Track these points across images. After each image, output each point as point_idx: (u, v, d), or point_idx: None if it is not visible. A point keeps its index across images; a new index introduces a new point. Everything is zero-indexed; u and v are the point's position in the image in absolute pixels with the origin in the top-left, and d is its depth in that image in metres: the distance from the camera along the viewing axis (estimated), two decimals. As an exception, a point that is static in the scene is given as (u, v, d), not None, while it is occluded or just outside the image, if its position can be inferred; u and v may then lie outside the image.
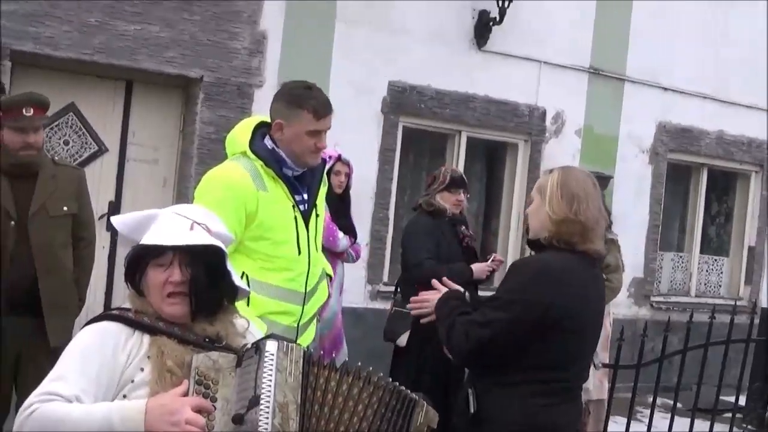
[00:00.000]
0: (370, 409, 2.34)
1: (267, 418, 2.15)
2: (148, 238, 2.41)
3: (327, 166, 6.02)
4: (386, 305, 7.89)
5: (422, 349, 5.20)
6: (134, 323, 2.38)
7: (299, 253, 3.53)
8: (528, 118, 9.22)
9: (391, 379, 2.44)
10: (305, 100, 3.52)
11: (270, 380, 2.18)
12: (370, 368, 2.37)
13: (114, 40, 7.33)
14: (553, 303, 2.88)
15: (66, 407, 2.19)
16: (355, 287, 8.19)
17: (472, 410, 2.92)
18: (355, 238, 6.28)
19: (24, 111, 4.12)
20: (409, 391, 2.43)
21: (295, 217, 3.54)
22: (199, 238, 2.41)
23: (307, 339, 3.77)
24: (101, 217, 7.24)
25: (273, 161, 3.51)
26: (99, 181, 7.59)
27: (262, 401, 2.16)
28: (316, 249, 3.70)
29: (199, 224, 2.45)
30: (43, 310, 4.07)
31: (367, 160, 8.28)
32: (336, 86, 8.16)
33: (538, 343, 2.90)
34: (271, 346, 2.24)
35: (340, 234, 6.03)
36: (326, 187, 3.94)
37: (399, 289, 5.93)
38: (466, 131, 9.07)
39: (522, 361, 2.92)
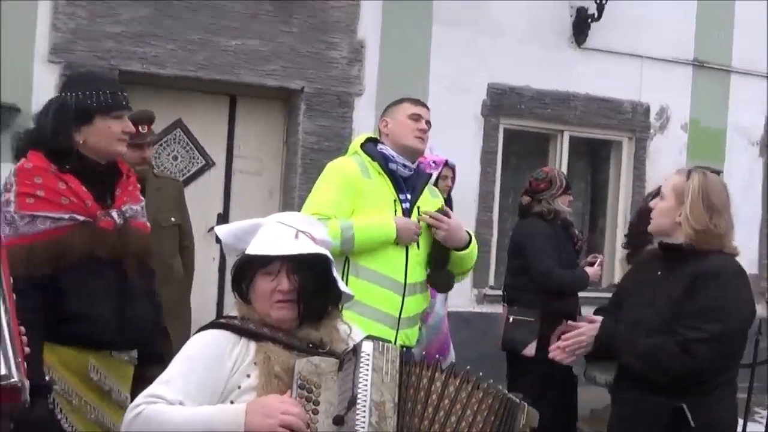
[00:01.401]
0: (480, 415, 2.34)
1: (364, 417, 2.18)
2: (254, 248, 2.47)
3: (435, 172, 6.09)
4: (492, 309, 7.88)
5: (550, 360, 5.10)
6: (241, 330, 2.44)
7: (397, 243, 3.81)
8: (631, 115, 9.06)
9: (501, 387, 2.43)
10: (403, 98, 4.15)
11: (366, 380, 2.22)
12: (480, 374, 2.37)
13: (216, 56, 7.51)
14: (754, 305, 3.06)
15: (171, 409, 2.27)
16: (461, 291, 8.15)
17: (692, 424, 2.96)
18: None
19: (140, 128, 4.28)
20: (511, 395, 2.42)
21: (395, 210, 3.87)
22: (305, 247, 2.45)
23: (410, 337, 3.94)
24: (210, 229, 7.41)
25: (379, 157, 3.94)
26: (207, 195, 7.78)
27: (359, 401, 2.20)
28: (418, 247, 3.91)
29: (302, 232, 2.49)
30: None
31: (468, 163, 8.25)
32: (435, 90, 8.18)
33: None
34: (366, 346, 2.27)
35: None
36: (435, 201, 4.11)
37: (507, 294, 5.81)
38: (568, 130, 8.96)
39: (731, 368, 3.07)
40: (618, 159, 9.29)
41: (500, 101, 8.53)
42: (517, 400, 2.43)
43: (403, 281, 3.85)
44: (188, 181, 7.63)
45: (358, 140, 4.12)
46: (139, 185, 4.26)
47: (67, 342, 2.95)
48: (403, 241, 3.81)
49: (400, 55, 8.12)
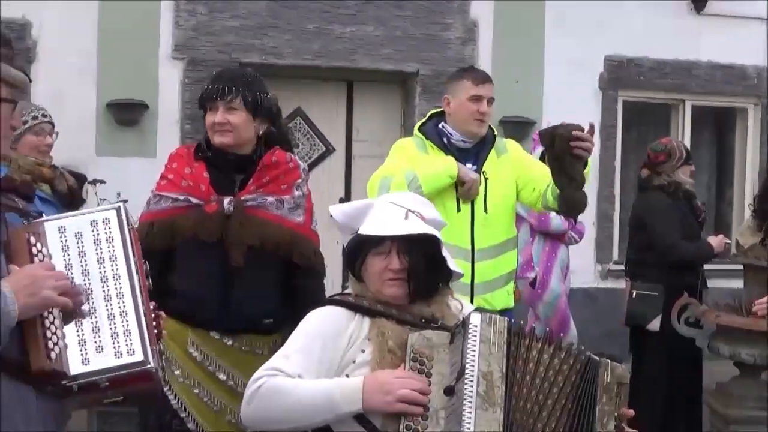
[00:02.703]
0: (568, 379, 2.37)
1: (472, 386, 2.23)
2: (366, 228, 2.55)
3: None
4: (616, 284, 7.77)
5: (675, 334, 5.03)
6: (355, 307, 2.53)
7: (458, 210, 3.87)
8: (756, 81, 8.76)
9: (587, 351, 2.44)
10: (465, 72, 4.16)
11: (474, 351, 2.27)
12: (572, 341, 2.41)
13: (332, 44, 7.66)
14: None
15: (291, 382, 2.37)
16: (585, 267, 8.11)
17: None
18: (576, 218, 6.21)
19: None
20: (591, 354, 2.43)
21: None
22: (415, 227, 2.51)
23: (491, 301, 3.93)
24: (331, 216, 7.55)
25: (434, 135, 4.05)
26: (328, 180, 7.95)
27: (467, 371, 2.25)
28: (485, 210, 3.94)
29: (413, 212, 2.56)
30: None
31: (588, 138, 8.15)
32: (551, 66, 8.13)
33: None
34: (474, 318, 2.32)
35: (553, 214, 5.98)
36: (504, 157, 4.10)
37: (630, 269, 5.73)
38: (690, 100, 8.75)
39: None
40: (744, 127, 9.02)
41: (618, 73, 8.40)
42: (598, 359, 2.43)
43: (469, 247, 3.89)
44: (310, 167, 7.79)
45: (421, 121, 4.22)
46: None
47: (169, 315, 3.05)
48: (463, 180, 3.86)
49: (514, 32, 8.09)
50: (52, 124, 4.28)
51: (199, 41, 7.46)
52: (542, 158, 5.97)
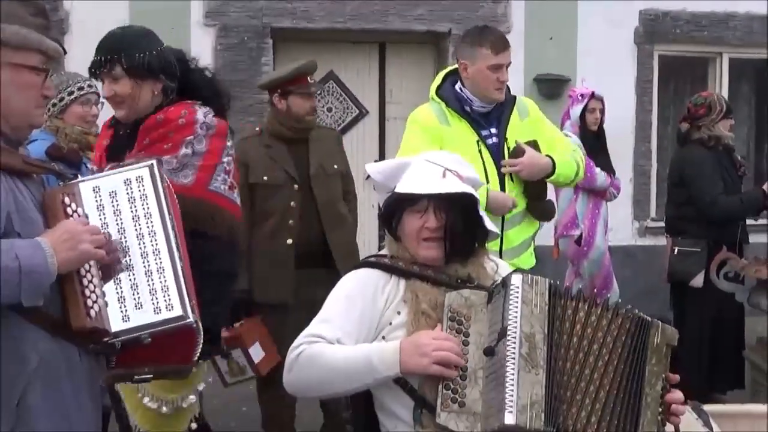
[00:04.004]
0: (618, 339, 2.35)
1: (514, 348, 2.22)
2: (403, 186, 2.53)
3: (581, 105, 6.01)
4: (655, 241, 7.74)
5: (717, 290, 4.98)
6: (391, 269, 2.53)
7: (487, 181, 3.77)
8: (795, 31, 8.60)
9: (637, 310, 2.42)
10: (483, 38, 3.89)
11: (516, 312, 2.25)
12: (619, 300, 2.39)
13: (364, 6, 7.62)
14: None
15: (330, 348, 2.38)
16: (622, 225, 8.06)
17: None
18: (613, 174, 6.18)
19: (309, 78, 4.44)
20: (644, 315, 2.41)
21: (480, 150, 3.84)
22: (452, 185, 2.50)
23: (522, 263, 3.88)
24: (367, 177, 7.56)
25: (454, 101, 3.90)
26: (362, 143, 7.95)
27: (509, 332, 2.23)
28: (512, 179, 3.90)
29: (450, 171, 2.53)
30: (336, 263, 4.35)
31: (624, 94, 8.09)
32: (585, 22, 8.03)
33: None
34: (516, 279, 2.30)
35: (597, 170, 5.95)
36: (527, 120, 4.02)
37: (671, 225, 5.67)
38: (727, 53, 8.62)
39: None
40: (783, 78, 8.88)
41: (654, 27, 8.28)
42: (650, 319, 2.41)
43: (499, 217, 3.82)
44: (344, 131, 7.82)
45: (435, 81, 4.05)
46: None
47: None
48: (493, 212, 3.74)
49: (548, -12, 7.99)
50: (98, 94, 4.32)
51: (231, 7, 7.46)
52: (582, 115, 6.00)
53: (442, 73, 4.08)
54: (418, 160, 2.61)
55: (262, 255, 4.41)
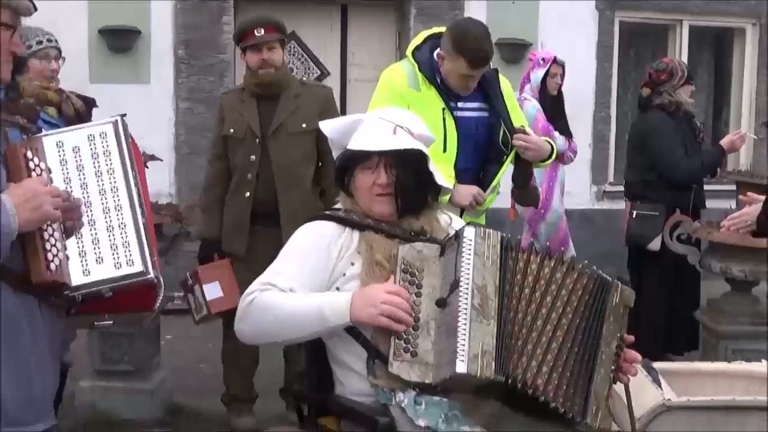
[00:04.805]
0: (574, 294, 2.41)
1: (467, 299, 2.27)
2: (355, 143, 2.57)
3: (543, 70, 6.06)
4: (613, 205, 7.84)
5: (674, 253, 5.07)
6: (345, 221, 2.57)
7: (444, 150, 3.77)
8: (755, 0, 8.68)
9: (595, 268, 2.47)
10: (466, 49, 3.73)
11: (468, 264, 2.30)
12: (571, 252, 2.45)
13: (326, -34, 7.56)
14: None
15: (282, 296, 2.42)
16: (580, 189, 8.15)
17: None
18: (571, 138, 6.25)
19: (255, 31, 4.42)
20: (605, 275, 2.47)
21: (444, 119, 3.81)
22: (402, 142, 2.54)
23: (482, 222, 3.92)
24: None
25: (428, 67, 3.85)
26: (324, 104, 7.93)
27: (461, 284, 2.28)
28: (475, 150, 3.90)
29: (401, 127, 2.57)
30: (282, 223, 4.37)
31: (584, 59, 8.16)
32: (547, -14, 8.06)
33: None
34: (468, 232, 2.35)
35: (556, 134, 6.02)
36: (513, 102, 4.06)
37: (629, 190, 5.74)
38: (687, 20, 8.69)
39: None
40: (741, 47, 8.98)
41: (615, -7, 8.34)
42: (610, 279, 2.47)
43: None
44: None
45: (415, 41, 3.98)
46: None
47: None
48: (456, 203, 3.75)
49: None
50: (59, 49, 4.29)
51: (191, -35, 7.39)
52: (544, 80, 6.05)
53: (423, 34, 4.02)
54: (371, 117, 2.65)
55: (227, 206, 4.50)
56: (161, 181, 7.01)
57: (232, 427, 4.52)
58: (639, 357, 2.56)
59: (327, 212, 2.65)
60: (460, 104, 3.89)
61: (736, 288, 4.91)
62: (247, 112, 4.47)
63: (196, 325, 4.54)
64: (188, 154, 7.56)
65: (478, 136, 3.92)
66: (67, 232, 2.30)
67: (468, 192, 3.82)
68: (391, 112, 2.71)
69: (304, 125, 4.43)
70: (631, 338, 2.57)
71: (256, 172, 4.43)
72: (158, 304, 2.52)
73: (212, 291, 4.37)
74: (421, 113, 3.56)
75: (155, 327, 4.78)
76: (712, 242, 4.79)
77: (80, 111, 4.24)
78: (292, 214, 4.31)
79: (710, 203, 5.61)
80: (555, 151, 4.05)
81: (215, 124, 4.67)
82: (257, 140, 4.43)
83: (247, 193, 4.43)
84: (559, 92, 6.22)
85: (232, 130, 4.48)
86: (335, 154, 2.70)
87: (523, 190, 4.11)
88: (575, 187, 7.66)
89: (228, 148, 4.51)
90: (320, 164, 4.55)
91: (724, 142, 5.53)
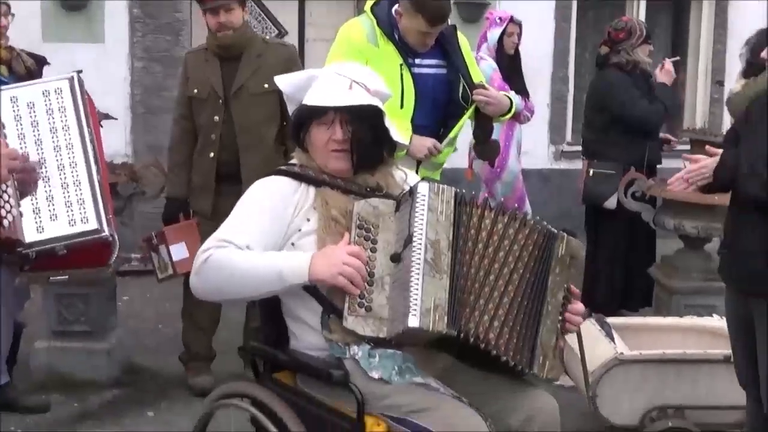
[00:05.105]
0: (524, 249, 2.43)
1: (420, 254, 2.28)
2: (310, 98, 2.55)
3: (500, 29, 6.05)
4: (570, 165, 7.90)
5: (629, 211, 5.12)
6: (300, 177, 2.56)
7: (401, 106, 3.80)
8: (713, -38, 8.73)
9: (545, 222, 2.50)
10: (425, 6, 3.76)
11: (422, 219, 2.31)
12: (526, 211, 2.47)
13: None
14: None
15: (239, 254, 2.40)
16: (538, 149, 8.20)
17: None
18: (528, 97, 6.27)
19: None
20: (550, 226, 2.50)
21: (402, 75, 3.83)
22: (358, 98, 2.52)
23: (438, 177, 3.95)
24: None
25: (386, 23, 3.87)
26: (282, 64, 7.87)
27: (414, 239, 2.30)
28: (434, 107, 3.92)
29: (357, 83, 2.56)
30: (243, 184, 4.34)
31: (542, 19, 8.16)
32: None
33: None
34: (422, 187, 2.36)
35: (512, 93, 6.02)
36: (471, 59, 4.07)
37: (587, 148, 5.77)
38: (647, -20, 8.73)
39: None
40: (699, 8, 9.02)
41: (574, -47, 8.33)
42: (556, 231, 2.50)
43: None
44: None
45: None
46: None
47: None
48: (412, 155, 3.78)
49: None
50: (8, 5, 4.19)
51: None
52: (501, 39, 6.05)
53: None
54: (327, 72, 2.63)
55: (195, 166, 4.49)
56: (117, 142, 6.94)
57: (189, 385, 4.52)
58: (583, 308, 2.58)
59: (283, 167, 2.63)
60: (417, 61, 3.91)
61: (689, 245, 4.98)
62: (210, 73, 4.44)
63: (159, 284, 4.53)
64: (144, 114, 7.49)
65: (436, 93, 3.94)
66: (23, 191, 2.28)
67: (423, 144, 3.83)
68: (348, 67, 2.69)
69: (266, 85, 4.39)
70: (577, 291, 2.59)
71: (219, 133, 4.41)
72: (112, 260, 2.52)
73: (179, 251, 4.38)
74: (379, 69, 3.57)
75: (111, 287, 4.75)
76: (666, 200, 4.85)
77: (31, 69, 4.18)
78: (253, 174, 4.23)
79: (666, 162, 5.68)
80: (514, 105, 4.08)
81: (180, 84, 4.63)
82: (220, 101, 4.40)
83: (212, 154, 4.42)
84: (516, 52, 6.21)
85: (196, 91, 4.45)
86: (291, 109, 2.67)
87: (485, 145, 4.14)
88: (533, 147, 7.70)
89: (192, 108, 4.49)
90: (284, 124, 4.51)
91: (660, 79, 5.56)
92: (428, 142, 3.85)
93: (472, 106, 3.95)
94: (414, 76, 3.87)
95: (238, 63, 4.43)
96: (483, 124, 4.06)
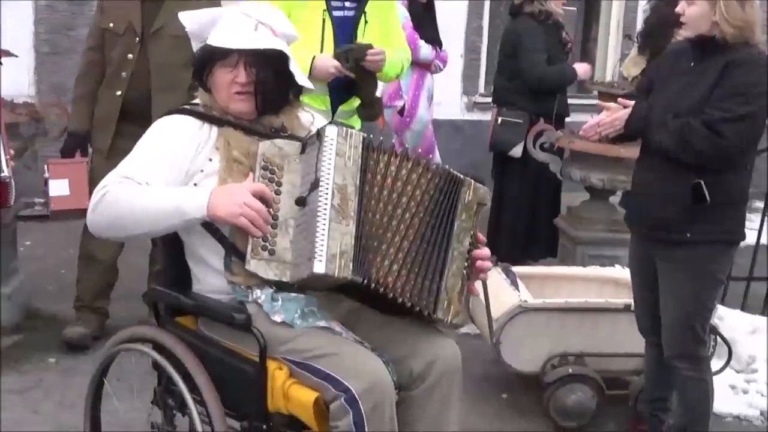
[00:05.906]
0: (426, 193, 2.43)
1: (327, 199, 2.26)
2: (214, 39, 2.49)
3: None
4: (482, 116, 7.93)
5: (535, 161, 5.17)
6: (203, 116, 2.51)
7: (321, 51, 3.84)
8: None
9: (449, 168, 2.50)
10: None
11: (330, 164, 2.28)
12: (430, 157, 2.46)
13: None
14: None
15: (138, 188, 2.34)
16: (451, 99, 8.21)
17: (708, 200, 3.06)
18: (440, 47, 6.26)
19: None
20: (457, 173, 2.49)
21: (324, 20, 3.87)
22: (263, 40, 2.47)
23: (354, 123, 3.97)
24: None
25: None
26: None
27: (321, 183, 2.27)
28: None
29: (263, 24, 2.51)
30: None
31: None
32: None
33: None
34: (330, 131, 2.32)
35: (421, 42, 6.01)
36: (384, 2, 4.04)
37: (497, 96, 5.80)
38: (561, -68, 8.73)
39: (751, 151, 3.19)
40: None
41: None
42: (462, 177, 2.50)
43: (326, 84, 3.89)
44: None
45: None
46: None
47: None
48: (316, 77, 3.75)
49: None
50: None
51: None
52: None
53: None
54: (232, 12, 2.55)
55: (99, 101, 4.34)
56: (20, 81, 6.70)
57: (62, 335, 4.38)
58: (489, 253, 2.59)
59: (186, 107, 2.57)
60: (337, 3, 3.90)
61: (595, 196, 5.07)
62: (130, 7, 4.27)
63: (53, 220, 4.42)
64: (49, 54, 7.24)
65: (353, 35, 3.93)
66: None
67: (325, 65, 3.82)
68: (254, 7, 2.61)
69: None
70: (483, 239, 2.60)
71: (131, 71, 4.26)
72: (11, 201, 2.44)
73: (59, 187, 4.20)
74: (299, 14, 3.61)
75: (11, 231, 4.61)
76: (573, 151, 4.92)
77: None
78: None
79: (574, 116, 5.74)
80: (403, 68, 4.09)
81: (96, 13, 4.45)
82: (137, 39, 4.25)
83: (119, 92, 4.27)
84: (430, 1, 6.19)
85: (111, 24, 4.28)
86: (195, 47, 2.60)
87: (369, 107, 4.10)
88: (446, 98, 7.71)
89: (105, 41, 4.31)
90: None
91: (579, 69, 5.63)
92: (330, 62, 3.83)
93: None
94: (334, 19, 3.88)
95: (162, 1, 4.30)
96: (366, 87, 4.02)
